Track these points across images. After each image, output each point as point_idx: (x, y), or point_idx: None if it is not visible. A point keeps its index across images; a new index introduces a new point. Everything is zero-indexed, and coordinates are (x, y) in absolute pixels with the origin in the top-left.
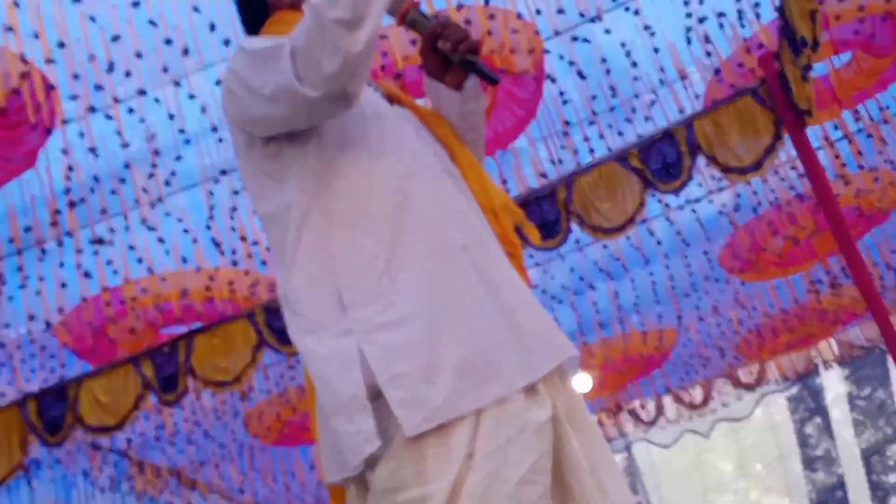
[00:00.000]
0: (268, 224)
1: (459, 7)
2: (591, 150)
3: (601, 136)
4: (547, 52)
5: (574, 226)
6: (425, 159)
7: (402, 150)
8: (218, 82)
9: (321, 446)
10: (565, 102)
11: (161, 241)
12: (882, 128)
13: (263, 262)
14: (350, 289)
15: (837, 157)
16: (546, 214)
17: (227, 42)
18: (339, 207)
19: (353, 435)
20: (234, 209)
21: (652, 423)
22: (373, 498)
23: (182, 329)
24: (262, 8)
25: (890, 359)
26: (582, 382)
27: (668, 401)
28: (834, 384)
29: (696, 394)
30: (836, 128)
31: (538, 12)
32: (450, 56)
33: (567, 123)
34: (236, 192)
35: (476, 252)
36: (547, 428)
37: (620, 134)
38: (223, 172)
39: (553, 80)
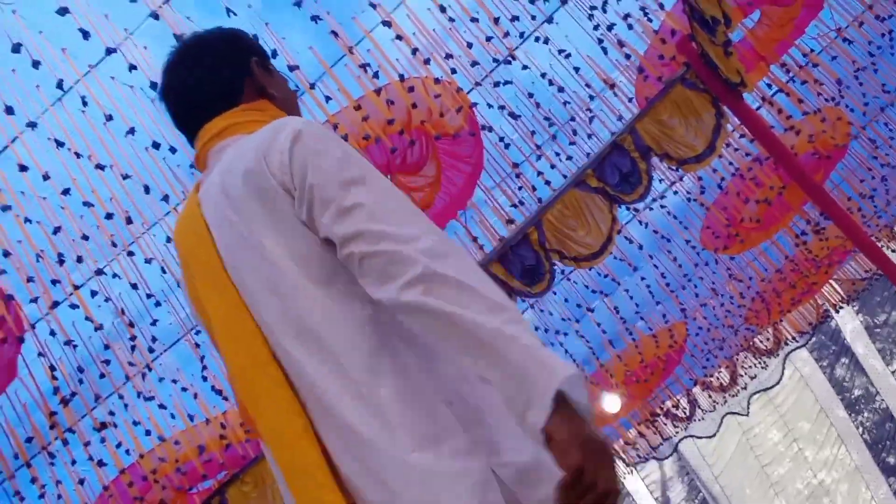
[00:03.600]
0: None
1: (378, 91)
2: (548, 183)
3: (553, 167)
4: (474, 104)
5: (556, 262)
6: None
7: None
8: (168, 239)
9: None
10: (507, 146)
11: (162, 406)
12: (812, 70)
13: None
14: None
15: (780, 111)
16: (525, 260)
17: (165, 198)
18: None
19: None
20: None
21: (690, 417)
22: None
23: (210, 483)
24: (236, 88)
25: None
26: (611, 403)
27: (698, 391)
28: (849, 322)
29: (723, 376)
30: (769, 85)
31: (453, 71)
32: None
33: (516, 165)
34: None
35: None
36: None
37: (570, 158)
38: None
39: (490, 129)
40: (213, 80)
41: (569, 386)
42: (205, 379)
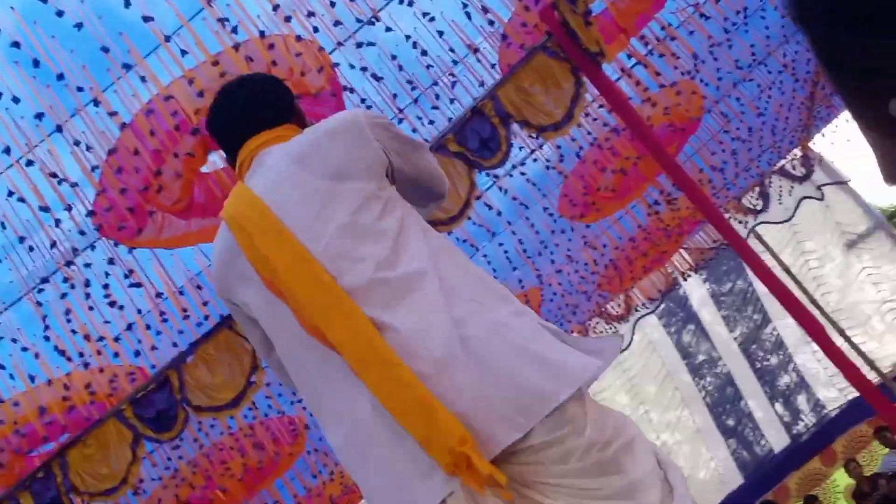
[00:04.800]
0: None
1: (236, 46)
2: None
3: (414, 131)
4: (336, 65)
5: None
6: None
7: None
8: (10, 193)
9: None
10: (369, 107)
11: (1, 367)
12: (670, 44)
13: (116, 355)
14: None
15: (638, 83)
16: None
17: (7, 150)
18: None
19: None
20: (68, 311)
21: None
22: None
23: (51, 446)
24: (286, 115)
25: None
26: None
27: None
28: (696, 289)
29: None
30: (629, 57)
31: (315, 30)
32: None
33: None
34: (64, 295)
35: None
36: None
37: (432, 122)
38: (44, 280)
39: (351, 90)
40: (272, 104)
41: None
42: (47, 339)
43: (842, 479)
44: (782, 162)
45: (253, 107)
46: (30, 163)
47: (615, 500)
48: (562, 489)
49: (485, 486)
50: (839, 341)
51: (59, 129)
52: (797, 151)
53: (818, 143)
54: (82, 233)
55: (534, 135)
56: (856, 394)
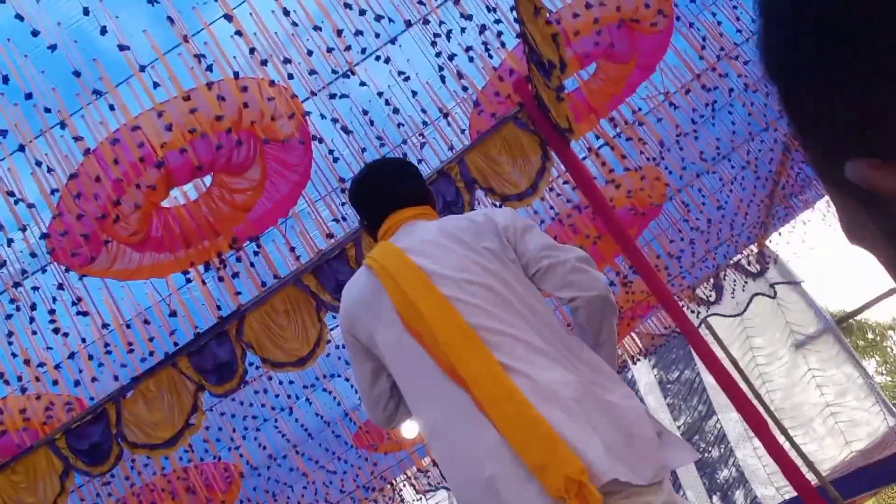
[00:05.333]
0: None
1: (209, 85)
2: None
3: None
4: (308, 113)
5: None
6: None
7: None
8: None
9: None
10: (336, 160)
11: None
12: (638, 129)
13: (55, 383)
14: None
15: (604, 163)
16: (340, 276)
17: None
18: None
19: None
20: (10, 333)
21: None
22: None
23: None
24: (424, 196)
25: None
26: (409, 430)
27: None
28: (644, 375)
29: None
30: (597, 137)
31: (290, 77)
32: None
33: (342, 180)
34: (9, 317)
35: None
36: None
37: None
38: None
39: (320, 140)
40: (416, 187)
41: None
42: None
43: None
44: (738, 256)
45: (401, 186)
46: None
47: None
48: None
49: None
50: (781, 439)
51: (21, 148)
52: (753, 248)
53: (774, 242)
54: (34, 255)
55: (497, 203)
56: (793, 493)
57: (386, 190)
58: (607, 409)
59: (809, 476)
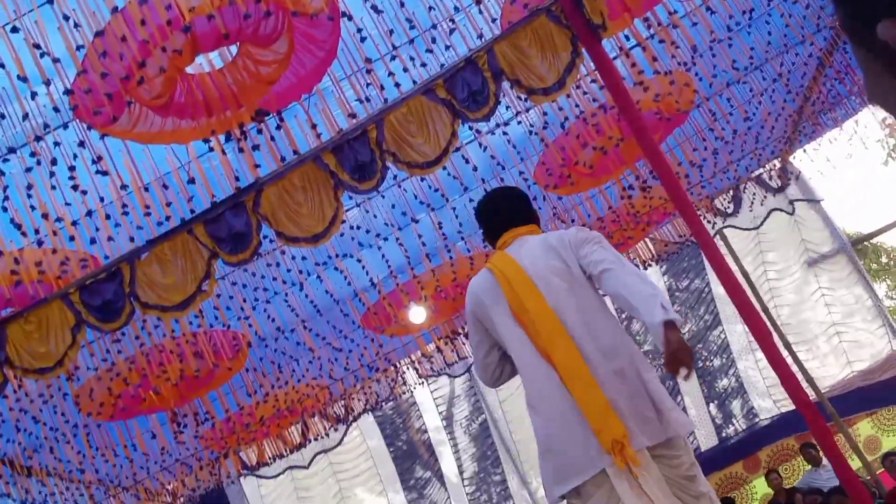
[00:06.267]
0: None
1: None
2: (398, 85)
3: (405, 70)
4: None
5: (390, 164)
6: None
7: None
8: None
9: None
10: (364, 39)
11: None
12: (672, 32)
13: (71, 239)
14: None
15: (634, 65)
16: (360, 156)
17: None
18: None
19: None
20: (29, 186)
21: None
22: None
23: None
24: (531, 216)
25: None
26: (416, 314)
27: None
28: (654, 280)
29: None
30: (628, 38)
31: None
32: None
33: (369, 60)
34: (29, 169)
35: None
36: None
37: (424, 65)
38: (11, 150)
39: (349, 18)
40: (528, 210)
41: (673, 315)
42: (5, 210)
43: (760, 488)
44: (760, 170)
45: (516, 211)
46: (15, 29)
47: (689, 495)
48: (671, 481)
49: (627, 463)
50: (784, 353)
51: (50, 0)
52: (776, 162)
53: (799, 158)
54: (56, 110)
55: (523, 96)
56: (789, 408)
57: (504, 213)
58: (644, 385)
59: (808, 391)
